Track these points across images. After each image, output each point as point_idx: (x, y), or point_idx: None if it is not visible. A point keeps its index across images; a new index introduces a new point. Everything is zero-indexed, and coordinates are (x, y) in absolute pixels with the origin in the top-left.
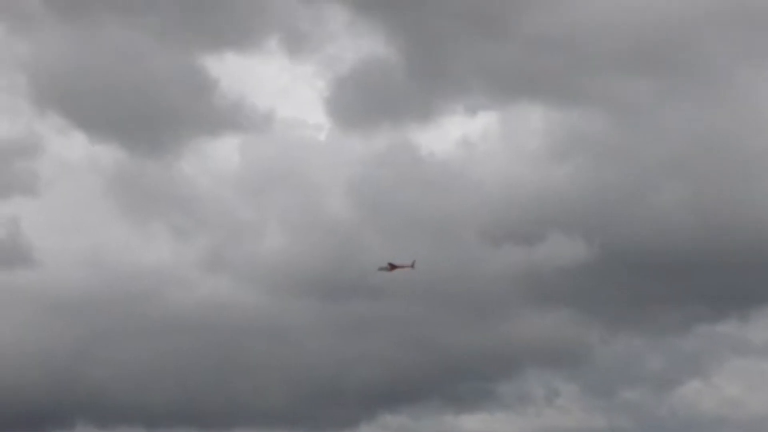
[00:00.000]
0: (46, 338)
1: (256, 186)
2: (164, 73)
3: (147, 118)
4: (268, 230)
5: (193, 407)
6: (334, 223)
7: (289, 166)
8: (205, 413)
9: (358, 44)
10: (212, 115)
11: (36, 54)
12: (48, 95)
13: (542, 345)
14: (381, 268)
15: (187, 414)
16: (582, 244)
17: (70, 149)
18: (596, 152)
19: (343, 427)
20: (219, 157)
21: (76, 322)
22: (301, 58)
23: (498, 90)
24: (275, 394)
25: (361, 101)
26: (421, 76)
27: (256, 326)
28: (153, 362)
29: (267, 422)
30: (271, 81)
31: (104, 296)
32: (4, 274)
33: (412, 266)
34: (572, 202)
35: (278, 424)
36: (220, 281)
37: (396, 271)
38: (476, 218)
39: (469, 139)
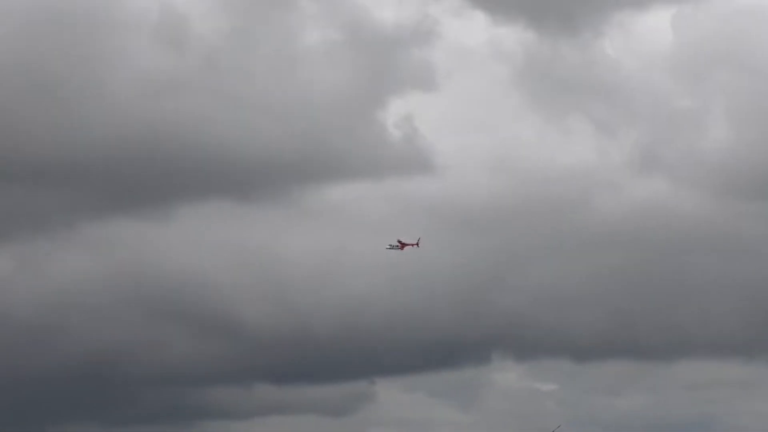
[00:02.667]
0: (453, 259)
1: (694, 68)
2: None
3: None
4: (711, 121)
5: (628, 335)
6: None
7: (733, 42)
8: (642, 342)
9: None
10: None
11: None
12: None
13: None
14: (391, 246)
15: (621, 343)
16: None
17: (470, 34)
18: None
19: None
20: (648, 33)
21: (485, 239)
22: None
23: None
24: (728, 318)
25: None
26: None
27: (700, 237)
28: (578, 284)
29: (718, 352)
30: None
31: (516, 207)
32: (400, 182)
33: (417, 244)
34: None
35: (732, 355)
36: (655, 184)
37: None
38: None
39: None
